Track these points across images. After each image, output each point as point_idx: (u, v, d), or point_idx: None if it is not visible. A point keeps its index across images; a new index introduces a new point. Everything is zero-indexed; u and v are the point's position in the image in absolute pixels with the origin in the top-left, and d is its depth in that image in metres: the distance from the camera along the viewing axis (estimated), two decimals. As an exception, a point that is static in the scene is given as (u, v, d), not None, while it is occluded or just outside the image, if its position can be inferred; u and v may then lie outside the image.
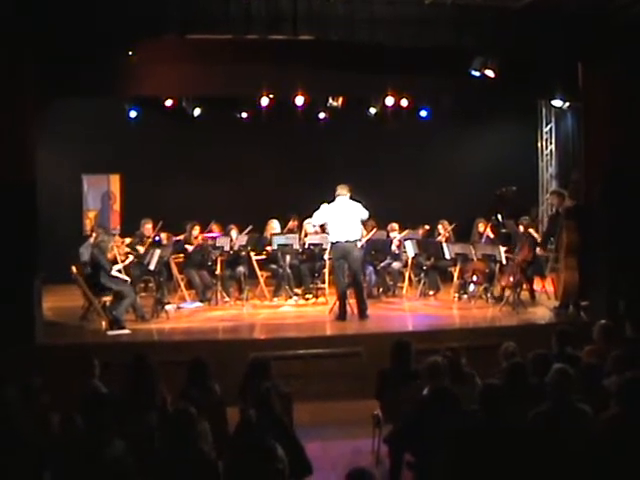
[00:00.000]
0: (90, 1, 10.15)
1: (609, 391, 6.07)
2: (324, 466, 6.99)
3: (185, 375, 7.23)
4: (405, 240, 14.33)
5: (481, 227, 14.23)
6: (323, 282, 13.90)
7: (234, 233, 14.04)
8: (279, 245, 13.57)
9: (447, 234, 14.46)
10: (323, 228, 14.12)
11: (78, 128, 15.78)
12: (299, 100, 13.70)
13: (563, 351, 7.55)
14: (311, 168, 16.31)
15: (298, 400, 7.70)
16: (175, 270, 13.91)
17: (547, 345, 7.73)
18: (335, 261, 11.96)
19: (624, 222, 11.29)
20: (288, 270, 13.83)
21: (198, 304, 13.51)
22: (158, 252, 12.56)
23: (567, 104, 14.83)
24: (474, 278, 13.50)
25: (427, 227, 14.95)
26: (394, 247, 14.39)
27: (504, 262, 12.58)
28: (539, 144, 17.29)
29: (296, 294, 13.91)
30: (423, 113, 16.75)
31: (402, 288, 14.56)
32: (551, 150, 16.97)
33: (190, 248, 13.85)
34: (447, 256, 13.74)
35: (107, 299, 11.72)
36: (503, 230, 13.83)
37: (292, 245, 13.62)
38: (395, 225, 14.59)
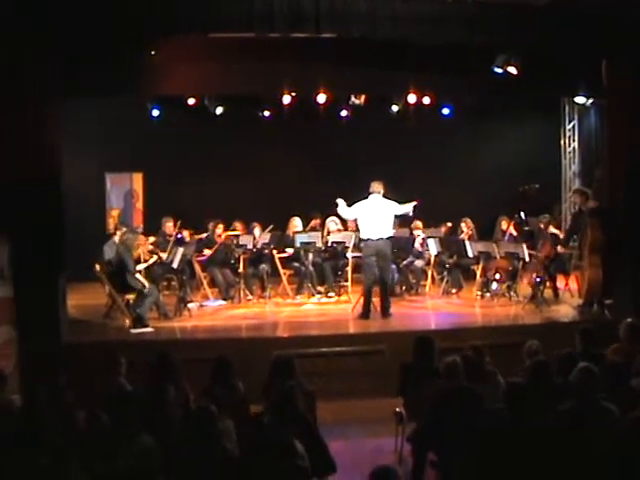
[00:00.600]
0: (114, 1, 10.20)
1: (637, 391, 6.04)
2: (347, 464, 6.97)
3: (208, 373, 7.25)
4: (428, 238, 14.30)
5: (504, 225, 14.18)
6: (346, 280, 13.89)
7: (257, 231, 14.06)
8: (302, 243, 13.57)
9: (470, 232, 14.42)
10: (346, 226, 14.15)
11: (101, 127, 15.90)
12: (321, 98, 13.70)
13: (587, 349, 7.50)
14: (333, 166, 16.33)
15: (321, 398, 7.71)
16: (198, 268, 13.94)
17: (571, 343, 7.69)
18: (366, 258, 11.87)
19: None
20: (311, 268, 13.82)
21: (221, 302, 13.53)
22: (181, 250, 12.60)
23: (590, 101, 14.75)
24: (497, 276, 13.45)
25: (449, 225, 14.92)
26: (417, 245, 14.37)
27: (527, 260, 12.54)
28: (562, 141, 17.19)
29: (319, 292, 13.90)
30: (445, 111, 16.69)
31: (425, 286, 14.54)
32: (574, 147, 16.89)
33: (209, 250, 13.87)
34: (470, 254, 13.69)
35: (130, 297, 11.74)
36: (526, 228, 13.76)
37: (315, 243, 13.61)
38: (418, 223, 14.55)
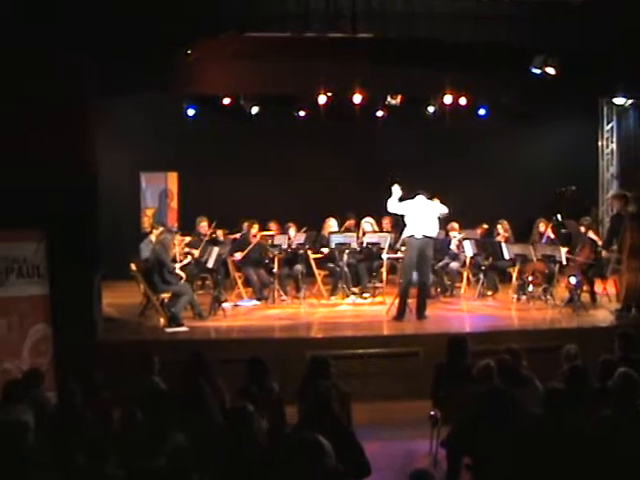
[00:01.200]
0: (149, 0, 10.25)
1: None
2: (381, 467, 6.92)
3: (243, 373, 7.25)
4: (464, 240, 14.21)
5: (542, 227, 14.00)
6: (381, 281, 13.84)
7: (292, 231, 14.04)
8: (337, 244, 13.54)
9: (506, 234, 14.29)
10: (381, 227, 14.11)
11: (137, 126, 15.97)
12: (357, 98, 13.61)
13: (626, 355, 7.40)
14: (368, 166, 16.26)
15: (356, 400, 7.67)
16: (232, 268, 13.96)
17: (608, 348, 7.60)
18: (406, 257, 11.85)
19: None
20: (345, 269, 13.75)
21: (255, 302, 13.53)
22: (216, 250, 12.63)
23: (630, 102, 14.56)
24: (532, 279, 13.32)
25: (485, 226, 14.81)
26: (453, 247, 14.29)
27: (564, 263, 12.40)
28: (600, 143, 16.96)
29: (353, 293, 13.84)
30: (482, 111, 16.55)
31: (460, 288, 14.42)
32: (612, 149, 16.65)
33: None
34: (506, 256, 13.57)
35: (165, 296, 11.79)
36: (563, 230, 13.62)
37: (350, 244, 13.56)
38: (455, 225, 14.45)
